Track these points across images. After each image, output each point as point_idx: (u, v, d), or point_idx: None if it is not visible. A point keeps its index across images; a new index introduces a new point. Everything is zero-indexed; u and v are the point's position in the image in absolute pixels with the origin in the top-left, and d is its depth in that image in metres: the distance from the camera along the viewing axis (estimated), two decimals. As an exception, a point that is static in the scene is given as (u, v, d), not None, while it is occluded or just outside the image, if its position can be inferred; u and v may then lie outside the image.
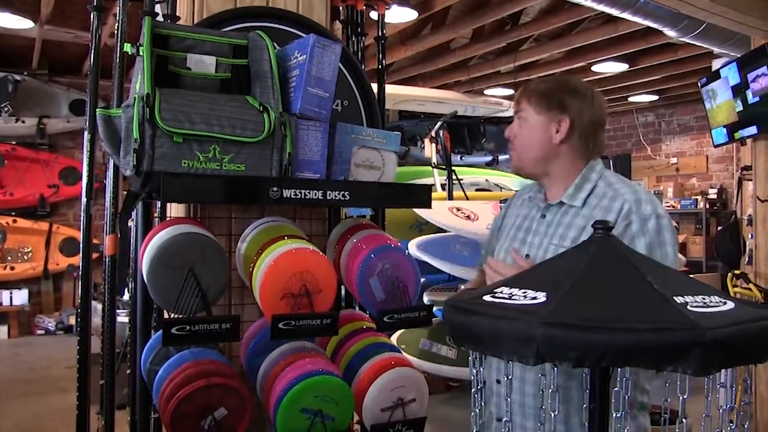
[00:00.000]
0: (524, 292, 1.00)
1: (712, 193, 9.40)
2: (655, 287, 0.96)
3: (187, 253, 1.64)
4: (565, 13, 5.83)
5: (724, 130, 4.76)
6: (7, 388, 5.73)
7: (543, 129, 1.73)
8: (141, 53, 1.65)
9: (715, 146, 5.00)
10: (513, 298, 1.00)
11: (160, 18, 1.98)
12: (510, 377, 1.27)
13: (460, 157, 10.03)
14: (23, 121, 7.95)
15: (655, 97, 9.50)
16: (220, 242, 1.76)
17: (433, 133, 6.79)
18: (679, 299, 0.98)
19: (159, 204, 1.95)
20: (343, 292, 2.19)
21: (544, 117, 1.73)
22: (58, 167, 8.41)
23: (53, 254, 8.35)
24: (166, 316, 1.83)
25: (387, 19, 5.16)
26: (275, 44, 1.91)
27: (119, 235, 1.89)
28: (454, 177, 6.29)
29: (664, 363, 0.92)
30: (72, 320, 8.08)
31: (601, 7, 4.13)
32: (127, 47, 1.68)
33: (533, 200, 1.83)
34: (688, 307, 0.96)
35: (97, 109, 1.66)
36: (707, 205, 9.19)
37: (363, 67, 2.28)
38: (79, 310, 1.91)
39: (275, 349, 1.81)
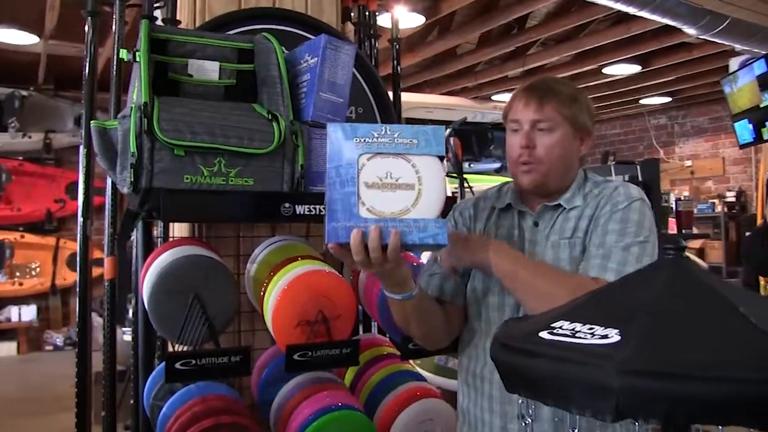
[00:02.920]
0: (590, 328, 0.83)
1: (730, 197, 9.14)
2: (752, 321, 0.79)
3: (191, 277, 1.49)
4: (574, 14, 5.67)
5: (750, 125, 4.52)
6: (11, 406, 5.59)
7: (571, 141, 1.51)
8: (137, 59, 1.50)
9: (741, 146, 4.76)
10: (577, 335, 0.83)
11: (160, 23, 1.84)
12: (531, 420, 1.07)
13: (469, 165, 9.81)
14: (30, 137, 7.86)
15: (668, 99, 9.29)
16: (227, 264, 1.61)
17: (443, 141, 6.62)
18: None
19: (161, 224, 1.79)
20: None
21: (571, 128, 1.50)
22: (64, 182, 8.30)
23: (61, 269, 8.23)
24: (170, 346, 1.68)
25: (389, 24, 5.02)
26: (283, 48, 1.77)
27: (118, 258, 1.74)
28: (465, 185, 6.13)
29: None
30: (80, 336, 7.93)
31: (618, 6, 3.97)
32: (123, 53, 1.53)
33: (509, 210, 1.59)
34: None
35: (92, 121, 1.52)
36: (725, 209, 8.94)
37: (376, 66, 2.13)
38: (78, 333, 1.75)
39: (290, 381, 1.65)
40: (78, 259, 1.72)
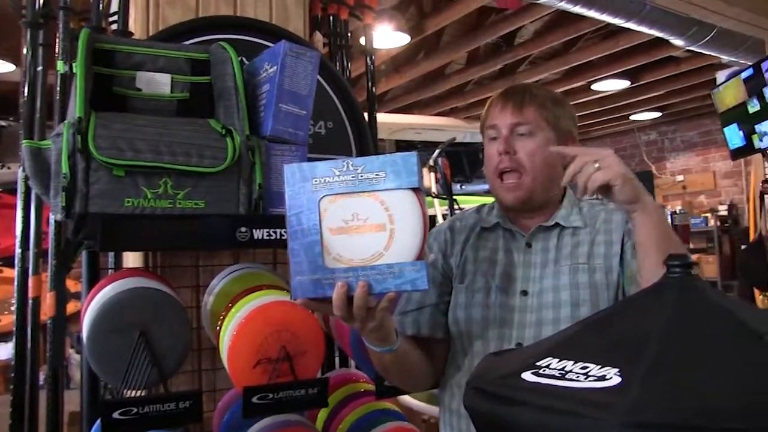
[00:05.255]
0: (584, 368, 0.67)
1: (722, 210, 9.05)
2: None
3: (136, 312, 1.32)
4: (562, 30, 5.58)
5: (740, 132, 4.38)
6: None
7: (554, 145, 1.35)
8: (75, 70, 1.35)
9: (732, 153, 4.58)
10: (568, 376, 0.67)
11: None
12: None
13: (460, 186, 9.72)
14: (8, 167, 7.66)
15: (658, 114, 9.23)
16: (182, 297, 1.45)
17: (431, 162, 6.50)
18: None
19: (112, 253, 1.63)
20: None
21: (554, 133, 1.37)
22: (45, 214, 8.11)
23: (42, 304, 8.01)
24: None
25: (378, 45, 4.90)
26: (245, 59, 1.62)
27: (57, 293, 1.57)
28: (455, 206, 5.99)
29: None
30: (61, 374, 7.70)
31: (605, 17, 3.86)
32: (60, 65, 1.38)
33: (494, 231, 1.43)
34: None
35: (24, 141, 1.36)
36: (718, 223, 8.86)
37: (349, 81, 1.98)
38: (14, 378, 1.59)
39: (254, 425, 1.48)
40: (16, 295, 1.56)
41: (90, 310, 1.35)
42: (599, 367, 0.67)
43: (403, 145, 9.34)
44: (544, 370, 0.70)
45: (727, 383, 0.61)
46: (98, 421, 1.45)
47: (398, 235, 1.05)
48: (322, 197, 1.06)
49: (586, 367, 0.68)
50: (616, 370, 0.65)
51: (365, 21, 2.13)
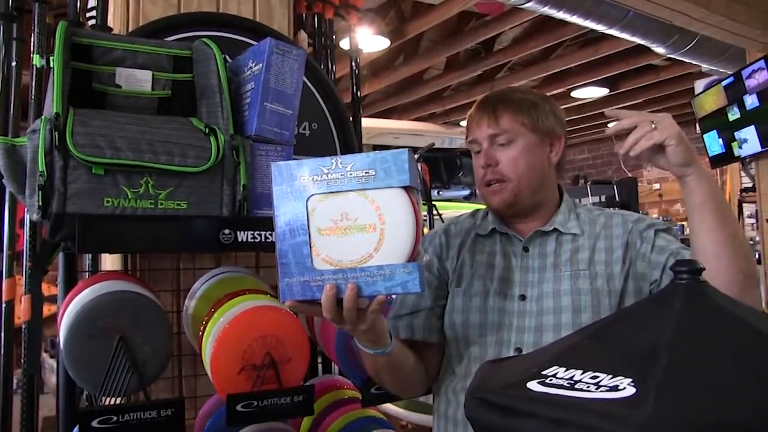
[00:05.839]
0: (595, 377, 0.64)
1: (698, 218, 9.17)
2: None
3: (115, 317, 1.27)
4: (542, 37, 5.59)
5: (719, 139, 4.41)
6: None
7: (537, 149, 1.36)
8: (52, 65, 1.30)
9: (712, 161, 4.59)
10: (577, 386, 0.64)
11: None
12: None
13: (438, 192, 9.70)
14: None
15: (635, 123, 9.33)
16: (162, 301, 1.40)
17: (410, 167, 6.46)
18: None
19: (89, 255, 1.58)
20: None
21: (535, 136, 1.35)
22: (19, 214, 7.95)
23: (16, 307, 7.85)
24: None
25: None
26: (227, 57, 1.58)
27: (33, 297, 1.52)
28: (434, 212, 5.97)
29: None
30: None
31: (588, 24, 3.86)
32: (36, 59, 1.33)
33: (491, 236, 1.41)
34: None
35: (-2, 138, 1.31)
36: (694, 231, 8.94)
37: (334, 81, 1.94)
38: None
39: (236, 433, 1.44)
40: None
41: (67, 314, 1.30)
42: (610, 376, 0.64)
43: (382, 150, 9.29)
44: (550, 380, 0.67)
45: (744, 395, 0.59)
46: (75, 429, 1.40)
47: (389, 235, 1.01)
48: (310, 196, 1.03)
49: (597, 377, 0.64)
50: (629, 380, 0.62)
51: (350, 21, 2.10)
